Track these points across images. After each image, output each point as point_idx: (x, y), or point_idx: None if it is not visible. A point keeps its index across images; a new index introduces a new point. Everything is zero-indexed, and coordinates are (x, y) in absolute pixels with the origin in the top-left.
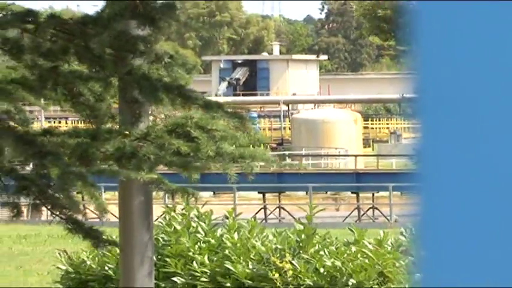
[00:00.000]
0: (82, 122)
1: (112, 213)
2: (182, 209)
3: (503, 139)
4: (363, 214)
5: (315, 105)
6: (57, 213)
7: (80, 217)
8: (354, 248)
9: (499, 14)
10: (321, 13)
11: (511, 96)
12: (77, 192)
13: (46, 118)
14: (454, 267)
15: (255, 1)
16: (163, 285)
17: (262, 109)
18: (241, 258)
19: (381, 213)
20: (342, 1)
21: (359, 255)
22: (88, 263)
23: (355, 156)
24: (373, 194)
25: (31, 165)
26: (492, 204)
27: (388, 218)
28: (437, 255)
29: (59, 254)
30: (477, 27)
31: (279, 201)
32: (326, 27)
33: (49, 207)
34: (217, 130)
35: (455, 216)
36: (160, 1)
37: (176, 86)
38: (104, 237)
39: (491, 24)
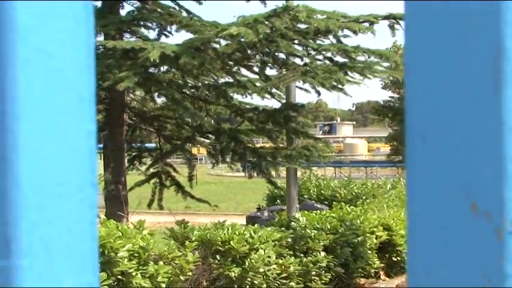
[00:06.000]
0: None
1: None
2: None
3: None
4: None
5: (352, 138)
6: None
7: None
8: None
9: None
10: (352, 107)
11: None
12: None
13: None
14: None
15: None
16: None
17: (332, 140)
18: None
19: None
20: (360, 103)
21: None
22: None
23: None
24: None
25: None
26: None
27: None
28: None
29: None
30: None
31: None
32: (354, 112)
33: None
34: (318, 146)
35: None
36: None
37: (305, 132)
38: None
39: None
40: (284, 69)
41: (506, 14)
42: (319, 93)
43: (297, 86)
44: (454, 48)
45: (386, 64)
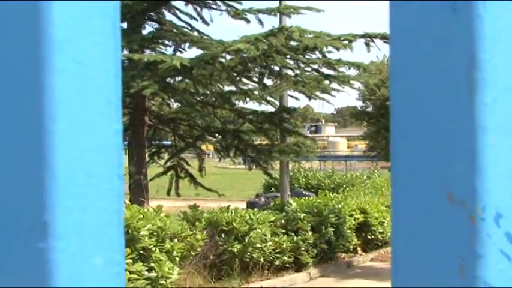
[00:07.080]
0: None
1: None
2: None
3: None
4: None
5: (334, 137)
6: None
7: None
8: None
9: None
10: (334, 111)
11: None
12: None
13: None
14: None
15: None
16: None
17: (318, 138)
18: None
19: None
20: (341, 108)
21: None
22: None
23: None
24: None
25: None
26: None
27: None
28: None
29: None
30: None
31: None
32: (336, 115)
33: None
34: (306, 143)
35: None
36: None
37: (296, 131)
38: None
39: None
40: (278, 80)
41: (479, 30)
42: (310, 98)
43: (288, 95)
44: (433, 59)
45: (364, 78)
